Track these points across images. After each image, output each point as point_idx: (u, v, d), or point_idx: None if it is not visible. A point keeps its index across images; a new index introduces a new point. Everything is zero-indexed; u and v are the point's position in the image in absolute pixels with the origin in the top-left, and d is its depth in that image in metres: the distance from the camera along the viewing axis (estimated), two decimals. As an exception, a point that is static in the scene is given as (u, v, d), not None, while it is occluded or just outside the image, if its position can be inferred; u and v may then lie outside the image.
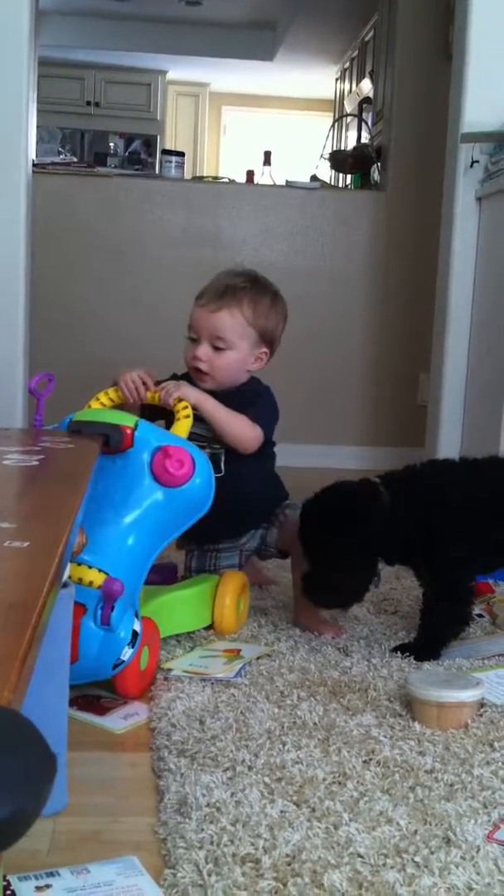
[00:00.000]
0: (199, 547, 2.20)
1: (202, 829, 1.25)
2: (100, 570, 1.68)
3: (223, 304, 2.05)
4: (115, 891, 1.13)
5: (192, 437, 1.92)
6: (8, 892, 1.10)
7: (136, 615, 1.71)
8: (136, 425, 1.82)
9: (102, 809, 1.35)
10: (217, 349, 2.05)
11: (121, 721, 1.62)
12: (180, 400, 1.95)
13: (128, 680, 1.70)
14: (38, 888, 1.12)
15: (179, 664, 1.84)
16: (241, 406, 2.05)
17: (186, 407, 1.94)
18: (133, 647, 1.67)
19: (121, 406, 2.03)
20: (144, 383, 2.01)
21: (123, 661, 1.66)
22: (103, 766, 1.50)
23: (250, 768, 1.43)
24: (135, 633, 1.68)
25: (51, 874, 1.15)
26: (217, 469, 1.95)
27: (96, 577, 1.67)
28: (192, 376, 2.10)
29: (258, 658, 1.89)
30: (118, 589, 1.64)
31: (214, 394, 2.05)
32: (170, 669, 1.81)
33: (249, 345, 2.06)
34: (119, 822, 1.32)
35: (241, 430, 2.03)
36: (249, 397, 2.09)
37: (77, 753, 1.43)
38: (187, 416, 1.93)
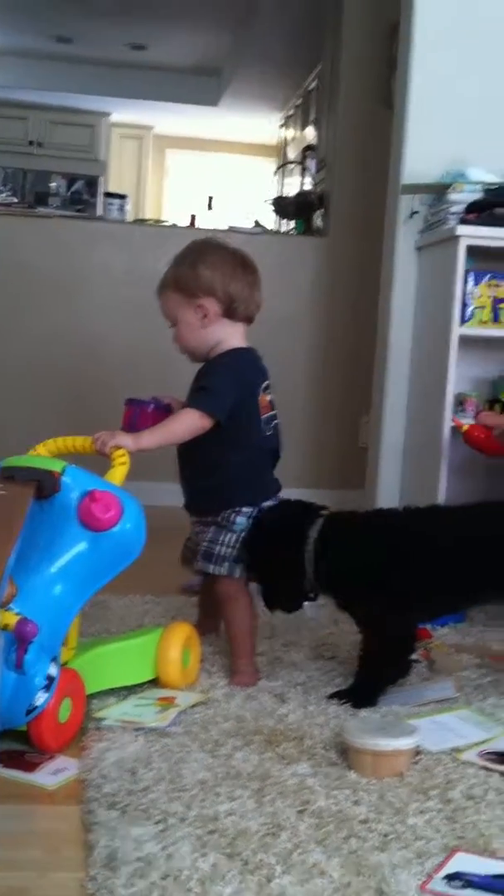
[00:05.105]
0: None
1: (132, 885, 1.22)
2: (16, 613, 1.62)
3: (160, 294, 2.20)
4: None
5: None
6: None
7: (55, 661, 1.66)
8: (64, 470, 1.79)
9: (31, 864, 1.31)
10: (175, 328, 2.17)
11: (51, 777, 1.57)
12: (117, 448, 1.94)
13: (44, 731, 1.64)
14: None
15: (112, 713, 1.81)
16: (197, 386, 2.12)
17: (123, 454, 1.93)
18: (48, 692, 1.63)
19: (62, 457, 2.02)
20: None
21: (37, 707, 1.62)
22: (32, 819, 1.46)
23: (182, 820, 1.41)
24: (50, 678, 1.63)
25: (-26, 934, 1.11)
26: None
27: (10, 620, 1.61)
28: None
29: (193, 706, 1.87)
30: (31, 630, 1.59)
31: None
32: (102, 718, 1.78)
33: (185, 308, 2.14)
34: (47, 877, 1.29)
35: (188, 428, 2.05)
36: (205, 373, 2.14)
37: (5, 806, 1.39)
38: (123, 464, 1.91)
